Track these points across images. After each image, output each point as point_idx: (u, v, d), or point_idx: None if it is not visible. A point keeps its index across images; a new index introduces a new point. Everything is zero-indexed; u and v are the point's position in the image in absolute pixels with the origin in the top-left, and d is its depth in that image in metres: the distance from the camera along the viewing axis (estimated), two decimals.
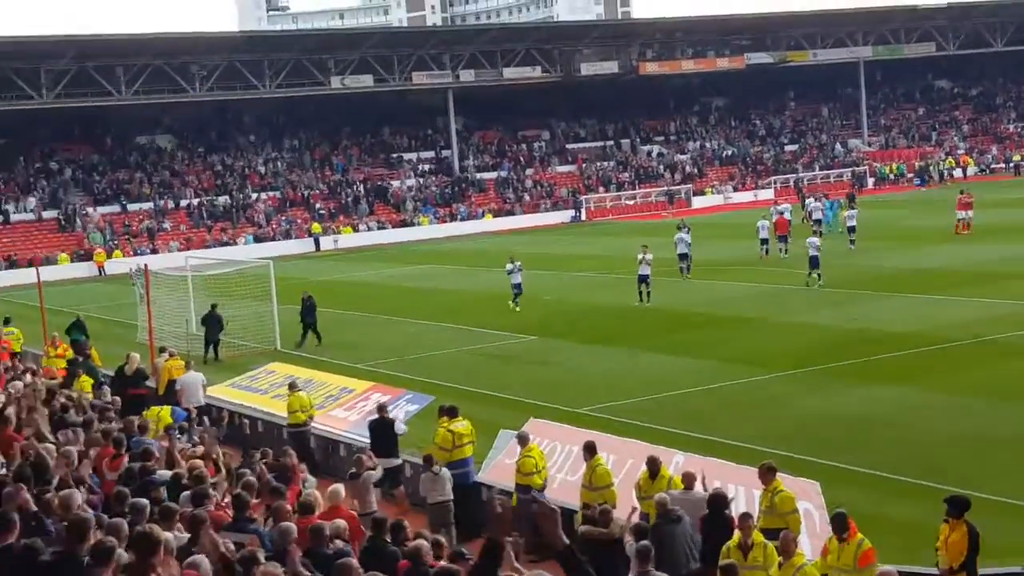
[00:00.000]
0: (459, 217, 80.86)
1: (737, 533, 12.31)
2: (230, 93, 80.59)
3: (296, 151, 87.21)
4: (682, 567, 12.79)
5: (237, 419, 22.95)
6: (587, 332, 33.91)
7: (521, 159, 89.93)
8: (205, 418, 22.62)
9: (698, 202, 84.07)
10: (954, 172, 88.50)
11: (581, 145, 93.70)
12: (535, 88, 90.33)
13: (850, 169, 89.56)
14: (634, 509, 14.24)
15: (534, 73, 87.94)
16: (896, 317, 32.17)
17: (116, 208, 77.83)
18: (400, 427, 20.20)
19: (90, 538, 9.09)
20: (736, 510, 13.66)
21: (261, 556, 9.64)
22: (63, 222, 75.07)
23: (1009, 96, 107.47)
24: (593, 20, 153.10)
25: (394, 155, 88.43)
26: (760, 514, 13.57)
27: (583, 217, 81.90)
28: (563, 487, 16.93)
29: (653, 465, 15.00)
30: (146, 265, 35.12)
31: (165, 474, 13.93)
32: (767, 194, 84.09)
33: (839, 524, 12.21)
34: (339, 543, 11.02)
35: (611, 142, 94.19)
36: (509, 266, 39.35)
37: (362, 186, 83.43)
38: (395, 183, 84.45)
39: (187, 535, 10.59)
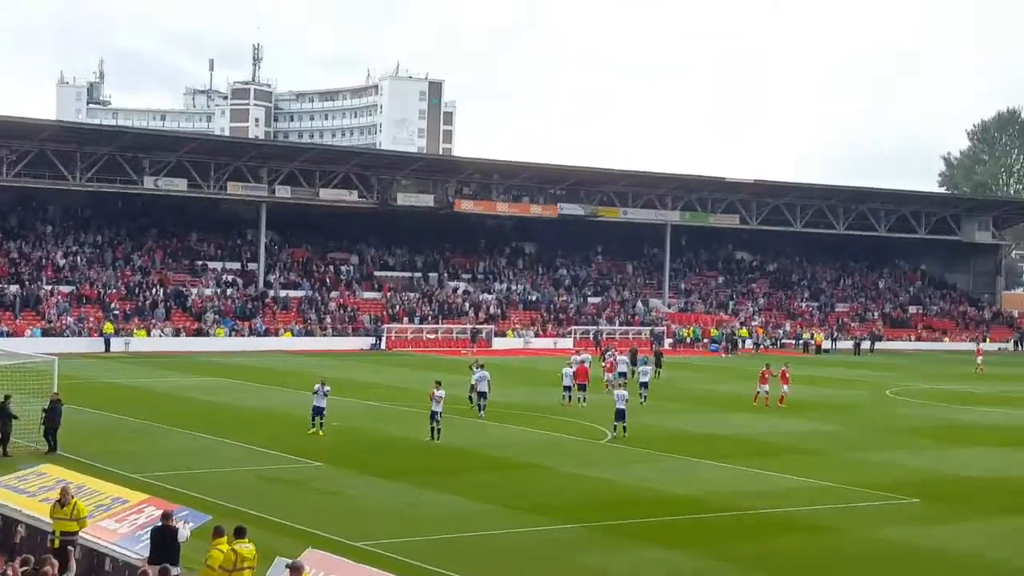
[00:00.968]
0: (257, 332, 79.76)
1: None
2: (37, 181, 78.60)
3: (98, 247, 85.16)
4: None
5: (15, 526, 21.86)
6: (375, 463, 33.53)
7: (328, 280, 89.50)
8: None
9: (499, 343, 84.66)
10: (746, 342, 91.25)
11: (389, 273, 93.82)
12: (350, 211, 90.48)
13: (649, 328, 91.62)
14: None
15: (350, 197, 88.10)
16: (681, 479, 32.63)
17: None
18: (184, 534, 19.44)
19: None
20: None
21: None
22: None
23: (804, 275, 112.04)
24: (415, 153, 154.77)
25: (199, 262, 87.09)
26: None
27: (383, 346, 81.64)
28: None
29: None
30: None
31: None
32: (567, 343, 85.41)
33: None
34: None
35: (419, 274, 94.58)
36: (317, 387, 38.85)
37: (161, 290, 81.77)
38: (196, 291, 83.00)
39: None
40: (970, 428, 46.61)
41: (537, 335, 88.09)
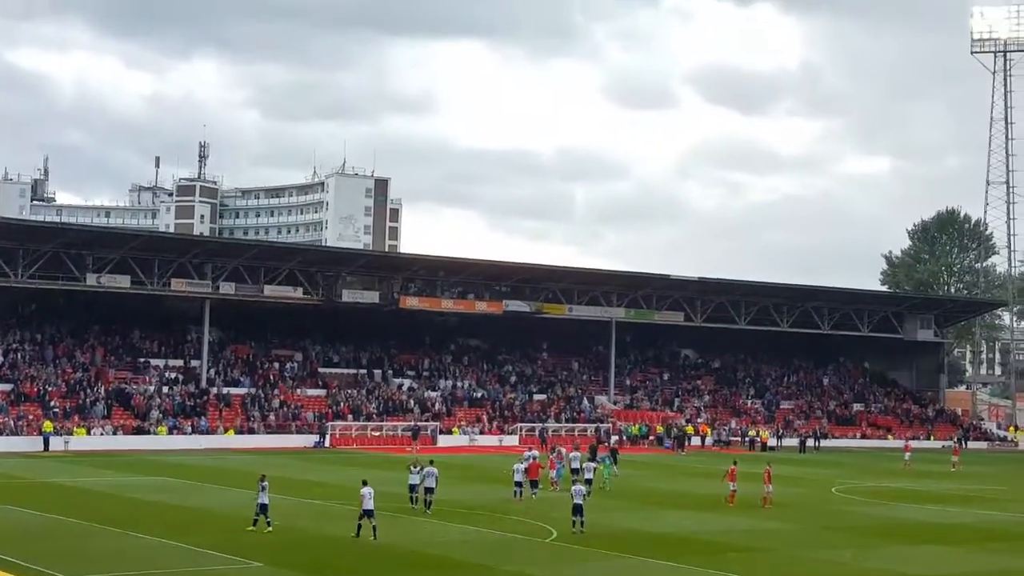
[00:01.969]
0: (199, 430, 78.84)
1: None
2: None
3: (38, 344, 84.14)
4: None
5: None
6: (316, 564, 33.03)
7: (271, 377, 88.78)
8: None
9: (444, 441, 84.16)
10: (692, 439, 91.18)
11: (333, 370, 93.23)
12: (294, 307, 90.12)
13: (595, 424, 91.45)
14: None
15: (295, 293, 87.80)
16: None
17: None
18: None
19: None
20: None
21: None
22: None
23: (748, 372, 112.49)
24: (359, 249, 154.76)
25: (141, 359, 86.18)
26: None
27: (327, 443, 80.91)
28: None
29: None
30: None
31: None
32: (512, 440, 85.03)
33: None
34: None
35: (364, 370, 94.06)
36: (264, 484, 38.31)
37: (103, 388, 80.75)
38: (138, 387, 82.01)
39: None
40: (915, 526, 46.62)
41: (482, 432, 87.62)
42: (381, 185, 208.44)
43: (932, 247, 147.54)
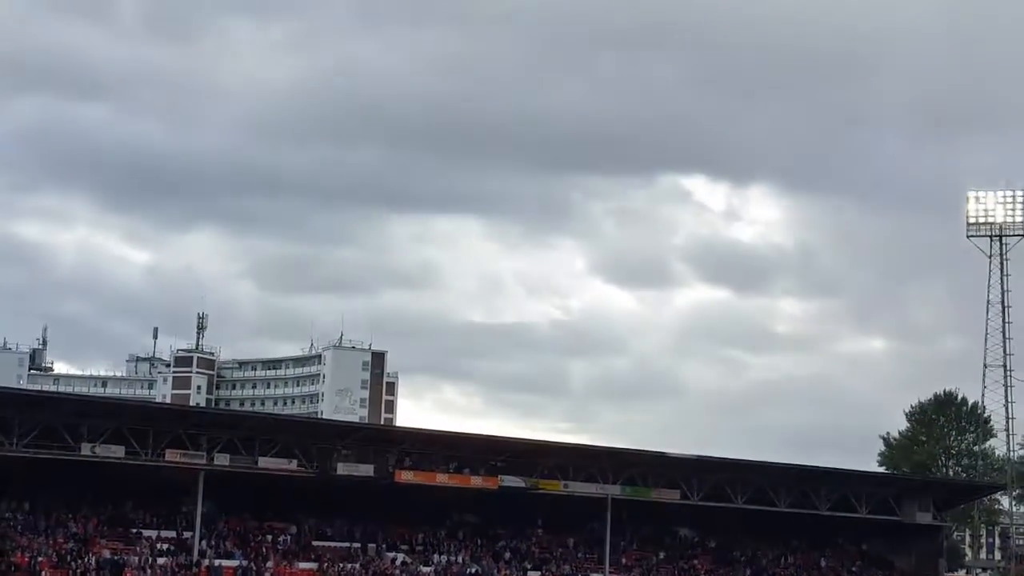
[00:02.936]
0: None
1: None
2: None
3: (31, 514, 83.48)
4: None
5: None
6: None
7: (264, 550, 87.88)
8: None
9: None
10: None
11: (327, 543, 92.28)
12: (288, 480, 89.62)
13: None
14: None
15: (289, 465, 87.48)
16: None
17: None
18: None
19: None
20: None
21: None
22: None
23: (745, 552, 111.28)
24: (355, 422, 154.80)
25: (133, 530, 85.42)
26: None
27: None
28: None
29: None
30: None
31: None
32: None
33: None
34: None
35: (358, 544, 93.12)
36: None
37: (95, 559, 79.88)
38: (131, 558, 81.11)
39: None
40: None
41: None
42: (378, 358, 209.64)
43: (930, 429, 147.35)
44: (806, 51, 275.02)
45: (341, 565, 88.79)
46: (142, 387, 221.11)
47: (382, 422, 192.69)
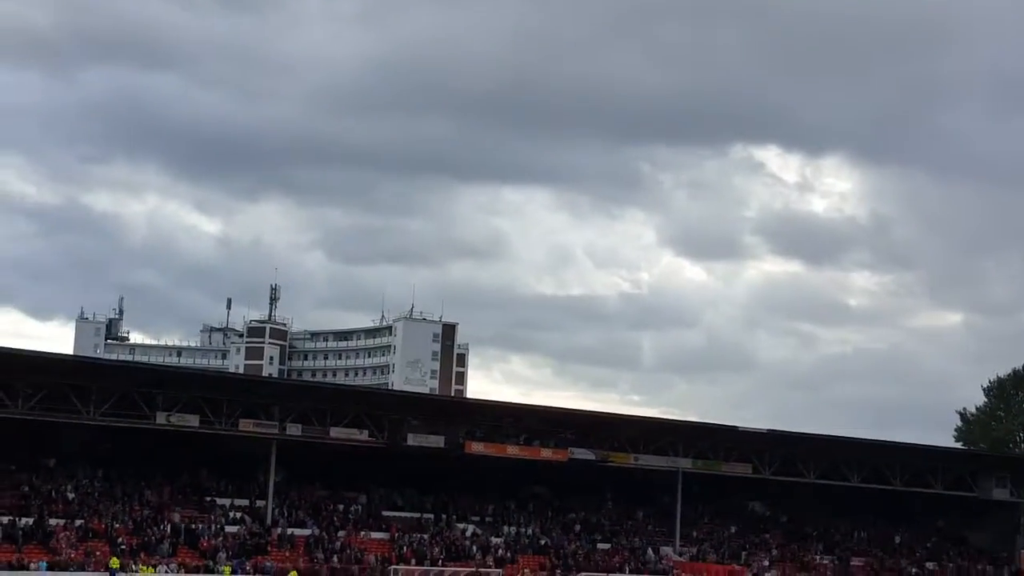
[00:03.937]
0: (264, 571, 78.58)
1: None
2: (52, 415, 78.38)
3: (108, 481, 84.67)
4: None
5: None
6: None
7: (335, 520, 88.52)
8: None
9: None
10: None
11: (397, 514, 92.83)
12: (358, 450, 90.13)
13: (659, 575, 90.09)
14: None
15: (360, 436, 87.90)
16: None
17: None
18: None
19: None
20: None
21: None
22: None
23: (817, 527, 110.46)
24: (426, 393, 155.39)
25: (207, 498, 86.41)
26: None
27: None
28: None
29: None
30: None
31: None
32: None
33: None
34: None
35: (428, 515, 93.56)
36: None
37: (169, 526, 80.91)
38: (204, 527, 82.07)
39: None
40: None
41: None
42: (448, 330, 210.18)
43: (1009, 404, 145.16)
44: (881, 21, 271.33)
45: (412, 535, 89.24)
46: (215, 357, 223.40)
47: (452, 393, 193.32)
